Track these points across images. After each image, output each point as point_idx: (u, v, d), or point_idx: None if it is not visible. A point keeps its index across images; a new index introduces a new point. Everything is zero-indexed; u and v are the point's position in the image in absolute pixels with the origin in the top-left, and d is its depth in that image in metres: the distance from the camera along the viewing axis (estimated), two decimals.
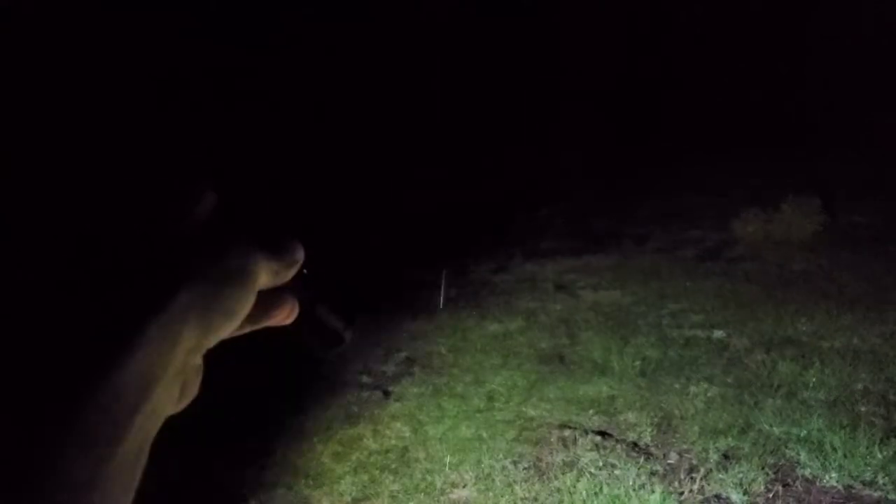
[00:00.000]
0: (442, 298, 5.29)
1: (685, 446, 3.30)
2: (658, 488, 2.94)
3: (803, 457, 3.11)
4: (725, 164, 11.01)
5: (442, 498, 3.08)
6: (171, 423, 0.39)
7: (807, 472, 3.03)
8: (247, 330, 0.39)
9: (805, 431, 3.29)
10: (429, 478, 3.19)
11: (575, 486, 3.00)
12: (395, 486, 3.16)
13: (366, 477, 3.25)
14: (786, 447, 3.20)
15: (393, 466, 3.32)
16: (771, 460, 3.12)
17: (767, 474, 3.01)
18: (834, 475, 2.97)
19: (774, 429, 3.34)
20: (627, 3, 16.17)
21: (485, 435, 3.52)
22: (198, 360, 0.36)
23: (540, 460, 3.26)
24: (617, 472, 3.08)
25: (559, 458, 3.24)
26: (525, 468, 3.21)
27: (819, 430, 3.28)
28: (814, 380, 3.80)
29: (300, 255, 0.39)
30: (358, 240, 7.72)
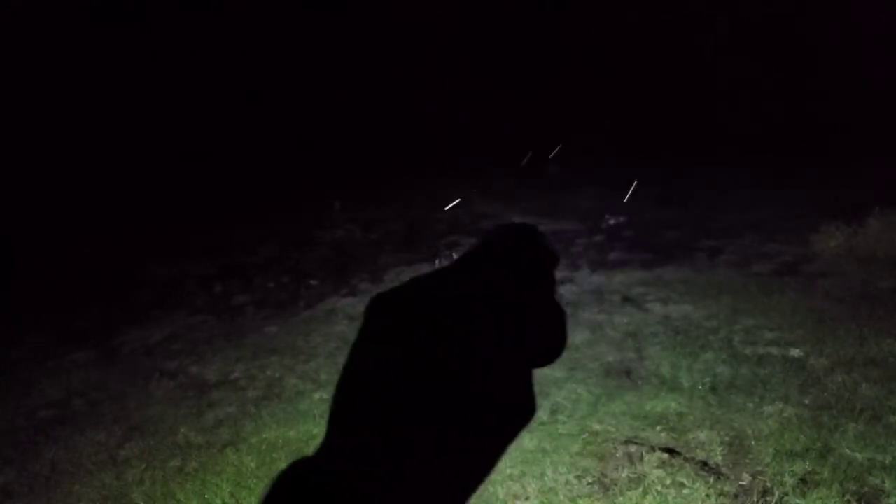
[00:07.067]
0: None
1: (758, 468, 3.17)
2: None
3: (888, 484, 2.94)
4: (804, 172, 10.55)
5: None
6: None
7: (892, 501, 2.86)
8: None
9: (891, 458, 3.11)
10: (490, 489, 3.19)
11: None
12: None
13: None
14: (869, 474, 3.03)
15: None
16: (853, 487, 2.96)
17: (849, 502, 2.86)
18: None
19: (857, 454, 3.17)
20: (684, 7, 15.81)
21: (548, 448, 3.49)
22: None
23: (605, 475, 3.20)
24: (685, 490, 2.99)
25: (625, 473, 3.17)
26: (589, 483, 3.16)
27: None
28: None
29: None
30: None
